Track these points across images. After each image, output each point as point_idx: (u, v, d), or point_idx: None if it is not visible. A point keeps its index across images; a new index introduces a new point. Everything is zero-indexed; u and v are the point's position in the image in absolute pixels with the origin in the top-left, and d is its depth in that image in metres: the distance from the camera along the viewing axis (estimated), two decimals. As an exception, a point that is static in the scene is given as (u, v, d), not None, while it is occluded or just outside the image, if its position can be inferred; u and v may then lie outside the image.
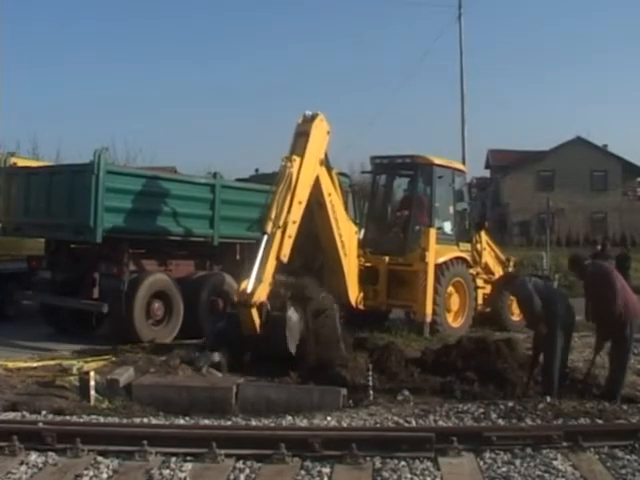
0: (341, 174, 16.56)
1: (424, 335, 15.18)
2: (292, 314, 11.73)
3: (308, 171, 13.49)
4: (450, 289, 16.25)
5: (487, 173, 68.10)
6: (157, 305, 14.28)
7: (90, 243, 13.96)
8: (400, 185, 17.93)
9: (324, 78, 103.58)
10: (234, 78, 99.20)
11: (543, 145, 61.18)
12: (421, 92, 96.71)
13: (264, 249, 12.33)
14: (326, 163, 14.39)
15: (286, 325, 11.53)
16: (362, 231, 16.60)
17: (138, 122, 79.62)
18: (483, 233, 17.79)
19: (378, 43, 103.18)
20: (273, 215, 12.58)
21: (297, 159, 13.27)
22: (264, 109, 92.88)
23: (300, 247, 13.40)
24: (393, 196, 18.12)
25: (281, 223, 12.64)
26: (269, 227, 12.49)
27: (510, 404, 9.33)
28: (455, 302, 16.48)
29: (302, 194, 13.25)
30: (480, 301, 17.19)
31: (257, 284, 11.90)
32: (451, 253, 16.36)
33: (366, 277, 15.92)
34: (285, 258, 12.64)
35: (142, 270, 14.51)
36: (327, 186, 14.43)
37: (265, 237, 12.44)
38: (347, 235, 15.16)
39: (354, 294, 15.54)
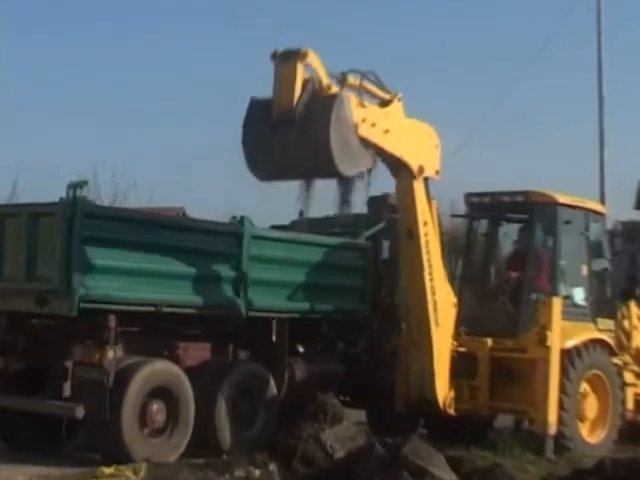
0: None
1: (546, 455, 15.03)
2: (346, 96, 12.77)
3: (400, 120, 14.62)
4: (584, 387, 16.11)
5: (639, 216, 67.68)
6: (156, 407, 14.17)
7: (60, 317, 13.99)
8: (508, 234, 18.01)
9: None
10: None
11: None
12: (535, 97, 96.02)
13: None
14: (426, 188, 14.94)
15: (333, 107, 12.42)
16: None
17: (129, 147, 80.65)
18: (633, 304, 17.78)
19: (475, 31, 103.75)
20: None
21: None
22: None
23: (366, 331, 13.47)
24: (498, 250, 18.27)
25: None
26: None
27: None
28: (592, 406, 16.31)
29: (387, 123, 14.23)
30: (630, 405, 17.04)
31: None
32: (585, 334, 16.22)
33: (460, 368, 15.92)
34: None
35: (135, 356, 14.46)
36: (424, 212, 15.01)
37: None
38: (443, 299, 15.47)
39: (443, 391, 15.55)
